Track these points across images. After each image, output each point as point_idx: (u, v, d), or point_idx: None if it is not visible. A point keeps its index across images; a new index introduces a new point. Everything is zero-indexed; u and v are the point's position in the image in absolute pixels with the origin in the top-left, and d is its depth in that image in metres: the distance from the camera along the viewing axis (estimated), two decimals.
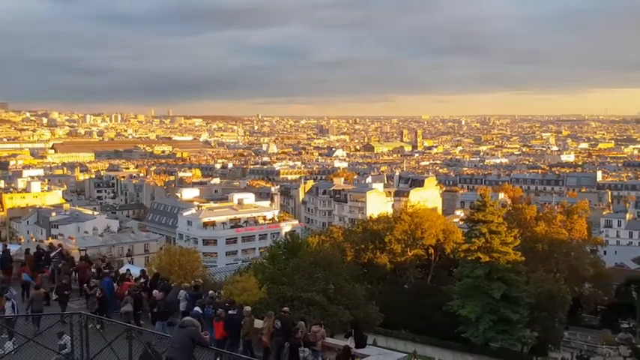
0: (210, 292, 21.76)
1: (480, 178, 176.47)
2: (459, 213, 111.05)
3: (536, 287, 51.00)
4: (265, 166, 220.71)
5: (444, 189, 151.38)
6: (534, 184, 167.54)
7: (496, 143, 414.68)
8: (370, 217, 71.88)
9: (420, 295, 53.77)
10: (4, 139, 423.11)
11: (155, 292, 21.46)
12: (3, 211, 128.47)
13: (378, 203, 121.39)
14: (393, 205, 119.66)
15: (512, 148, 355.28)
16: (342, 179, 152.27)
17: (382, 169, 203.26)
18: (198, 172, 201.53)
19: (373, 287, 52.66)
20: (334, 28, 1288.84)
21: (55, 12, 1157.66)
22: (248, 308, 19.10)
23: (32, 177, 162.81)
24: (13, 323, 16.67)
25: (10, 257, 27.29)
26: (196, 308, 18.87)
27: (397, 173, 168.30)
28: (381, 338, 43.63)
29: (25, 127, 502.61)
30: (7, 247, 29.29)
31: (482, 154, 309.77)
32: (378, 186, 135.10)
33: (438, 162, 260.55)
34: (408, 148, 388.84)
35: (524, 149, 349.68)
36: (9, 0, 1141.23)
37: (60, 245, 30.28)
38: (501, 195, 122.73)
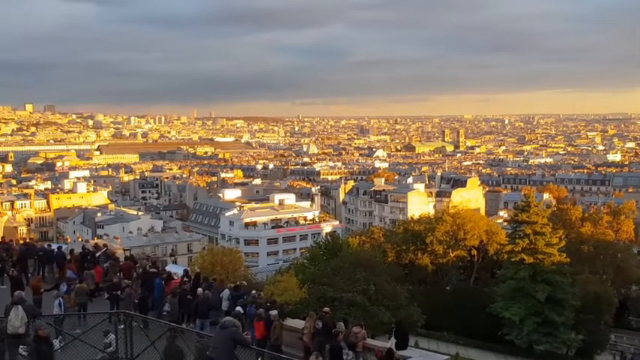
0: (253, 291, 21.94)
1: (523, 178, 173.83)
2: (503, 214, 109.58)
3: (581, 289, 49.95)
4: (306, 167, 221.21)
5: (487, 189, 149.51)
6: (580, 185, 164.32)
7: (540, 143, 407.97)
8: (411, 217, 71.39)
9: (463, 297, 53.16)
10: (52, 141, 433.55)
11: (199, 290, 21.71)
12: (50, 211, 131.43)
13: (419, 204, 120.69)
14: (434, 206, 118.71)
15: (556, 148, 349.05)
16: (383, 180, 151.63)
17: (423, 169, 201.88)
18: (239, 172, 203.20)
19: (415, 288, 52.26)
20: (375, 28, 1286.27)
21: (101, 17, 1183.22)
22: (275, 312, 18.98)
23: (78, 178, 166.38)
24: (62, 321, 17.01)
25: (64, 256, 28.01)
26: (238, 308, 19.01)
27: (439, 173, 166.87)
28: (423, 340, 43.24)
29: (71, 129, 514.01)
30: (62, 246, 30.12)
31: (526, 153, 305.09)
32: (420, 186, 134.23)
33: (481, 162, 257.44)
34: (450, 148, 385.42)
35: (569, 149, 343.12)
36: (59, 7, 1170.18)
37: (105, 245, 30.91)
38: (546, 195, 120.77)
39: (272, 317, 18.45)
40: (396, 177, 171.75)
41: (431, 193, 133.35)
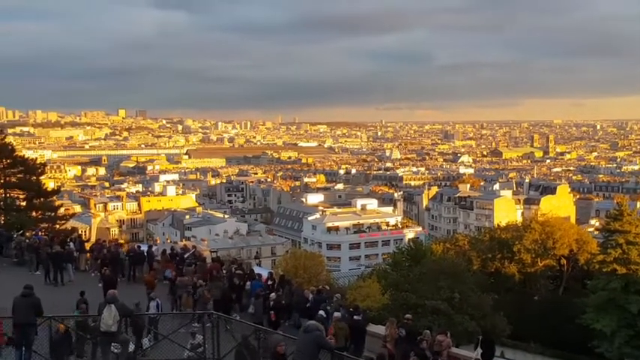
0: (337, 295, 21.96)
1: (616, 185, 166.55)
2: (594, 222, 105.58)
3: None
4: (388, 172, 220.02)
5: (578, 197, 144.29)
6: None
7: (634, 149, 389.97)
8: (498, 225, 69.84)
9: (551, 307, 51.50)
10: (143, 145, 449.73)
11: (280, 292, 21.94)
12: (141, 213, 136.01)
13: (506, 211, 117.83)
14: (522, 213, 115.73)
15: None
16: (468, 186, 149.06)
17: (511, 175, 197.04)
18: (322, 177, 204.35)
19: (501, 298, 50.99)
20: (460, 32, 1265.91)
21: (193, 24, 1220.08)
22: (339, 314, 18.66)
23: (168, 181, 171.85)
24: (157, 322, 17.49)
25: (154, 256, 28.98)
26: (321, 312, 19.06)
27: (527, 180, 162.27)
28: (509, 350, 42.17)
29: (161, 134, 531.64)
30: (152, 247, 31.19)
31: (619, 160, 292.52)
32: (507, 193, 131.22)
33: (571, 168, 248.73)
34: (538, 154, 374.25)
35: None
36: (152, 15, 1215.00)
37: (194, 247, 31.71)
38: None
39: (333, 319, 18.37)
40: (482, 183, 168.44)
41: (518, 200, 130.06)
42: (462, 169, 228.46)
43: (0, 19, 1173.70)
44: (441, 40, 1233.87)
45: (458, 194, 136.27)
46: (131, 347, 15.78)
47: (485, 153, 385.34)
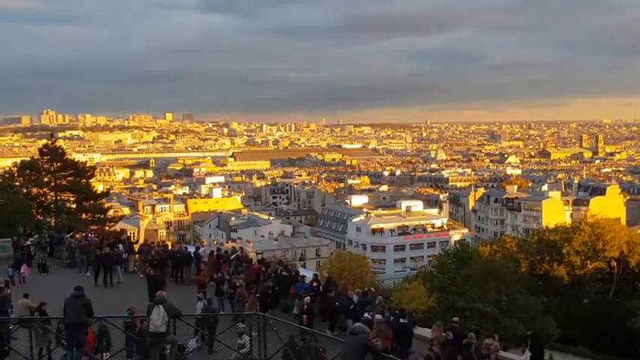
0: (379, 297, 21.84)
1: None
2: None
3: None
4: (434, 174, 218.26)
5: (628, 198, 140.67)
6: None
7: None
8: (546, 226, 68.61)
9: (601, 310, 50.28)
10: (189, 148, 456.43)
11: (329, 294, 21.90)
12: (188, 215, 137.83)
13: (554, 212, 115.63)
14: (571, 215, 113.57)
15: None
16: (515, 187, 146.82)
17: (559, 176, 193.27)
18: (366, 179, 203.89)
19: (549, 300, 50.04)
20: (506, 31, 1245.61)
21: (238, 28, 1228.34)
22: (379, 317, 18.54)
23: (214, 184, 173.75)
24: (203, 323, 17.65)
25: (201, 257, 29.31)
26: (366, 314, 18.97)
27: (576, 181, 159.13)
28: (558, 354, 41.33)
29: (207, 137, 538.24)
30: (199, 248, 31.57)
31: None
32: (555, 194, 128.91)
33: (621, 169, 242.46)
34: (587, 155, 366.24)
35: None
36: (199, 19, 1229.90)
37: (240, 248, 31.94)
38: None
39: (376, 322, 18.19)
40: (530, 184, 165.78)
41: (567, 201, 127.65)
42: (509, 170, 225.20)
43: (51, 24, 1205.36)
44: (487, 40, 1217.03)
45: (505, 196, 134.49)
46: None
47: (532, 154, 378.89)
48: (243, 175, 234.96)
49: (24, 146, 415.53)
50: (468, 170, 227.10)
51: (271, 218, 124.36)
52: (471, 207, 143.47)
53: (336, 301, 21.60)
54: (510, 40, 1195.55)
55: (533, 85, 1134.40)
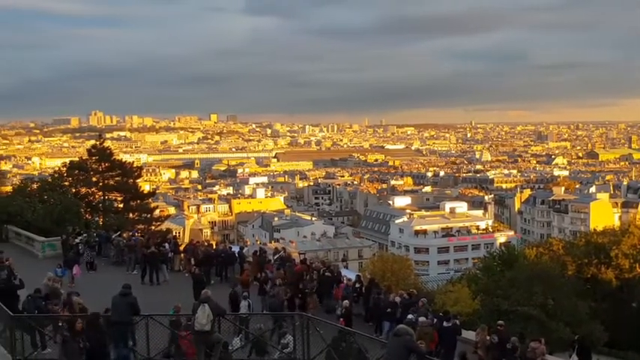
0: (422, 300, 21.72)
1: None
2: None
3: None
4: (478, 175, 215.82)
5: None
6: None
7: None
8: (594, 229, 67.26)
9: None
10: (233, 149, 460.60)
11: (377, 296, 21.85)
12: (232, 215, 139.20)
13: (602, 215, 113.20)
14: (620, 217, 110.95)
15: None
16: (563, 188, 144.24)
17: (608, 177, 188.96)
18: (409, 180, 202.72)
19: (597, 304, 49.02)
20: (555, 30, 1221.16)
21: (283, 30, 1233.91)
22: (423, 319, 18.41)
23: (257, 184, 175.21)
24: (248, 322, 17.81)
25: (244, 256, 29.58)
26: (410, 316, 18.87)
27: (625, 183, 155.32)
28: (605, 359, 40.52)
29: (251, 138, 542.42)
30: (243, 248, 31.86)
31: None
32: (603, 196, 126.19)
33: None
34: (637, 156, 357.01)
35: None
36: (244, 21, 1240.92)
37: (283, 248, 32.13)
38: None
39: (420, 324, 18.02)
40: (577, 186, 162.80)
41: (616, 203, 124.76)
42: (556, 172, 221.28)
43: (101, 27, 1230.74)
44: (534, 39, 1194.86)
45: (552, 197, 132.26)
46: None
47: (580, 155, 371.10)
48: (286, 176, 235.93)
49: (73, 147, 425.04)
50: (514, 171, 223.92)
51: (314, 219, 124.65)
52: (516, 209, 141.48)
53: (381, 302, 21.54)
54: (558, 39, 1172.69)
55: (581, 85, 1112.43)
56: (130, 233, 36.78)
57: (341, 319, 20.02)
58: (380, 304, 21.50)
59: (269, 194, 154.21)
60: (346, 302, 20.47)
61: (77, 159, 57.35)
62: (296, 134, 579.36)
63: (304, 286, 23.70)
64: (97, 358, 15.06)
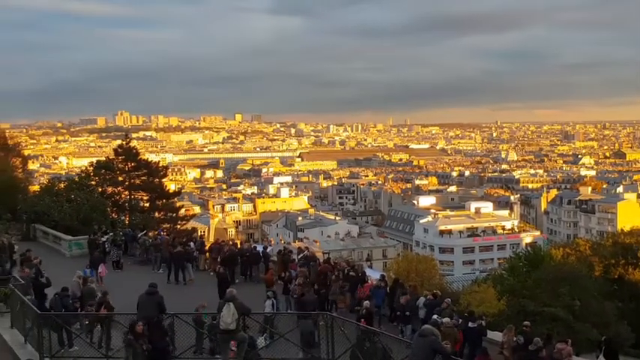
0: (447, 300, 21.60)
1: None
2: None
3: None
4: (504, 174, 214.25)
5: None
6: None
7: None
8: (622, 229, 66.31)
9: None
10: (258, 149, 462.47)
11: (403, 298, 21.75)
12: (256, 214, 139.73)
13: (630, 215, 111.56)
14: None
15: None
16: (590, 188, 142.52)
17: (635, 177, 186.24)
18: (434, 179, 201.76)
19: (624, 305, 48.37)
20: (583, 29, 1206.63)
21: (308, 29, 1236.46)
22: (447, 320, 18.29)
23: (281, 183, 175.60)
24: (273, 321, 17.86)
25: (269, 256, 29.68)
26: (435, 317, 18.78)
27: None
28: None
29: (275, 138, 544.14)
30: (267, 248, 31.98)
31: None
32: (631, 196, 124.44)
33: None
34: None
35: None
36: (269, 21, 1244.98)
37: (307, 248, 32.14)
38: None
39: (444, 325, 17.85)
40: (605, 186, 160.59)
41: None
42: (583, 171, 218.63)
43: (127, 28, 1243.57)
44: (562, 38, 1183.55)
45: (579, 197, 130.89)
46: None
47: (607, 154, 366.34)
48: (310, 176, 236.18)
49: (99, 146, 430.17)
50: (540, 171, 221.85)
51: (338, 218, 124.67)
52: (543, 209, 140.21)
53: (407, 302, 21.43)
54: (587, 37, 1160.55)
55: (608, 84, 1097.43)
56: (156, 232, 37.09)
57: (362, 320, 19.96)
58: (405, 305, 21.38)
59: (293, 194, 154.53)
60: (367, 303, 20.36)
61: (104, 158, 57.79)
62: (320, 134, 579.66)
63: (333, 287, 23.63)
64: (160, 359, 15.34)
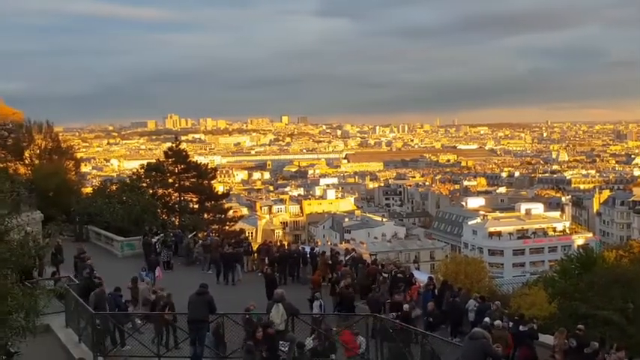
0: (496, 303, 21.33)
1: None
2: None
3: None
4: (555, 175, 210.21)
5: None
6: None
7: None
8: None
9: None
10: (304, 150, 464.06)
11: (454, 299, 21.57)
12: (303, 216, 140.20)
13: None
14: None
15: None
16: None
17: None
18: (483, 180, 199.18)
19: None
20: (631, 27, 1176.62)
21: (355, 31, 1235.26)
22: (500, 322, 18.10)
23: (328, 185, 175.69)
24: (320, 322, 17.91)
25: (316, 257, 29.77)
26: (486, 319, 18.56)
27: None
28: None
29: (321, 139, 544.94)
30: (315, 249, 32.08)
31: None
32: None
33: None
34: None
35: None
36: (315, 23, 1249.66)
37: (353, 249, 32.12)
38: None
39: (495, 328, 17.56)
40: None
41: None
42: (637, 172, 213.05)
43: (176, 32, 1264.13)
44: (614, 36, 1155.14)
45: (632, 198, 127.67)
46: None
47: None
48: (356, 177, 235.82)
49: (150, 149, 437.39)
50: (592, 171, 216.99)
51: (384, 220, 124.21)
52: (595, 210, 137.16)
53: (459, 305, 21.22)
54: (635, 35, 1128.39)
55: None
56: (206, 233, 37.55)
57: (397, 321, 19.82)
58: (455, 307, 21.17)
59: (339, 195, 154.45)
60: (406, 306, 20.19)
61: (154, 161, 58.71)
62: (366, 135, 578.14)
63: (382, 288, 23.55)
64: None
